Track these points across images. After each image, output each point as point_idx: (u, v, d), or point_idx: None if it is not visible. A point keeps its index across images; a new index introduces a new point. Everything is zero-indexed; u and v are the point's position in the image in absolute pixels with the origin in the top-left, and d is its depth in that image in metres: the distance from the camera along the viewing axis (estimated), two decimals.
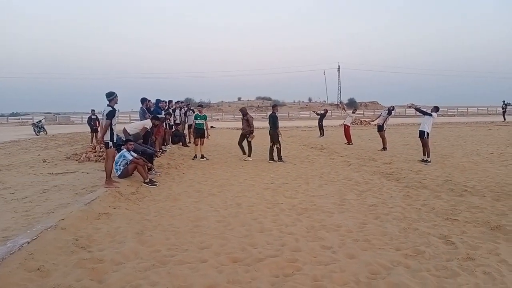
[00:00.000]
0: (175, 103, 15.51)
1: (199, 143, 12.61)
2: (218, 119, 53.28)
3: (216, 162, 11.97)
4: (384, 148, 14.32)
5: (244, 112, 12.78)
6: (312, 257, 4.29)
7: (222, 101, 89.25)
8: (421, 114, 11.88)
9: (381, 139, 14.66)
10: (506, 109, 36.07)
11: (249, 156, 12.66)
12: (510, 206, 6.29)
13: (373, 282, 3.67)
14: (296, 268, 3.99)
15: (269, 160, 12.12)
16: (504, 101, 36.36)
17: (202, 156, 12.51)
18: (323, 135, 21.42)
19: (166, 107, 14.33)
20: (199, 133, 12.65)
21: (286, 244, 4.68)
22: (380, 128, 14.66)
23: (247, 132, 12.62)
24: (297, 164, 11.65)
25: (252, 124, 12.57)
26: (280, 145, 12.28)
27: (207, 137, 13.07)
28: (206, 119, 12.86)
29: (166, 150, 13.11)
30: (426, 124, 11.33)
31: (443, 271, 3.92)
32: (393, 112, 15.08)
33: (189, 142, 16.62)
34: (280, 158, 12.15)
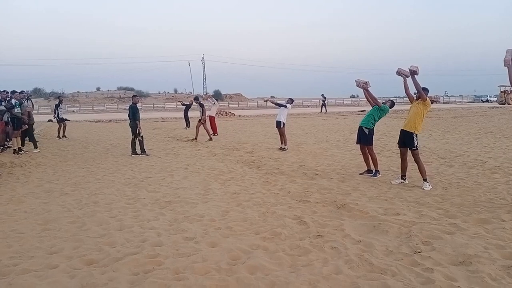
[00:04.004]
0: (19, 93, 13.63)
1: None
2: (74, 111, 48.80)
3: (70, 158, 10.92)
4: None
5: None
6: (174, 250, 4.22)
7: (78, 91, 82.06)
8: (277, 106, 12.78)
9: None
10: (325, 102, 39.56)
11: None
12: (353, 186, 7.15)
13: (234, 267, 3.78)
14: (157, 263, 3.87)
15: (131, 153, 11.56)
16: (322, 95, 39.91)
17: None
18: (189, 126, 21.34)
19: (8, 98, 12.65)
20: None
21: (148, 240, 4.52)
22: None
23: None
24: (162, 156, 11.37)
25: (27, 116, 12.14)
26: (142, 138, 11.81)
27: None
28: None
29: (10, 147, 11.72)
30: (282, 115, 12.19)
31: (297, 249, 4.25)
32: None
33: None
34: (143, 151, 11.69)
